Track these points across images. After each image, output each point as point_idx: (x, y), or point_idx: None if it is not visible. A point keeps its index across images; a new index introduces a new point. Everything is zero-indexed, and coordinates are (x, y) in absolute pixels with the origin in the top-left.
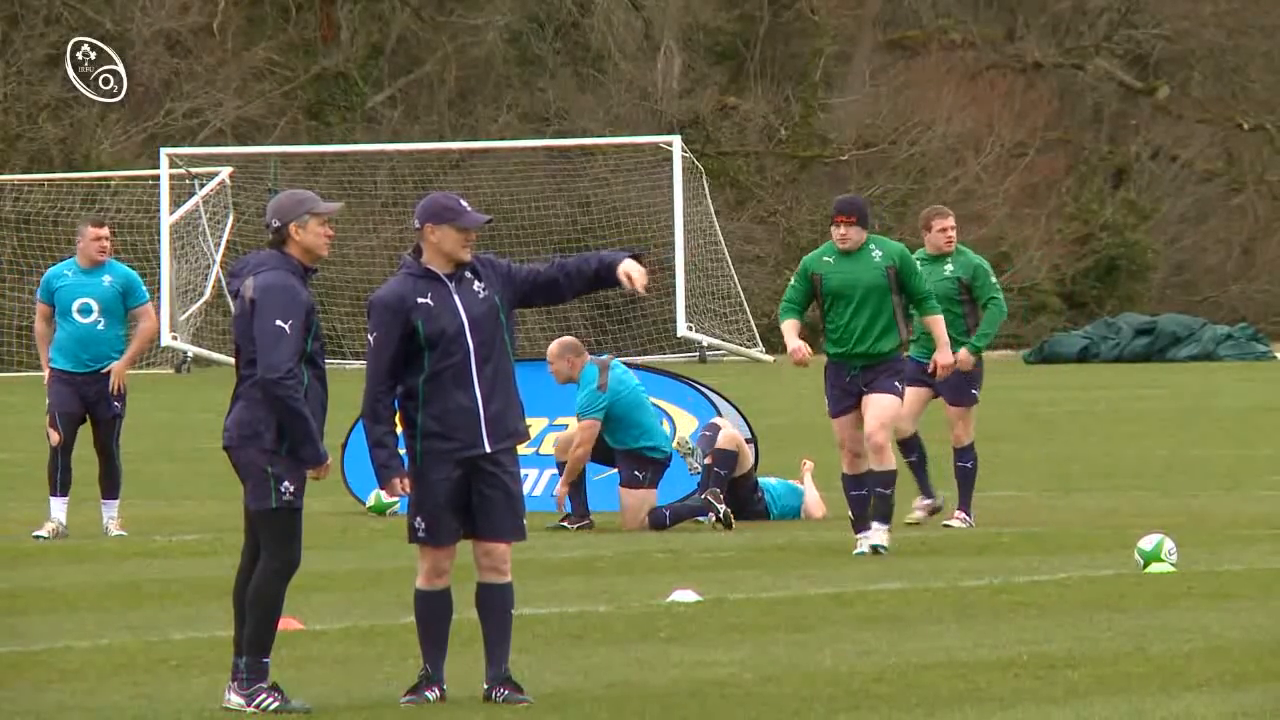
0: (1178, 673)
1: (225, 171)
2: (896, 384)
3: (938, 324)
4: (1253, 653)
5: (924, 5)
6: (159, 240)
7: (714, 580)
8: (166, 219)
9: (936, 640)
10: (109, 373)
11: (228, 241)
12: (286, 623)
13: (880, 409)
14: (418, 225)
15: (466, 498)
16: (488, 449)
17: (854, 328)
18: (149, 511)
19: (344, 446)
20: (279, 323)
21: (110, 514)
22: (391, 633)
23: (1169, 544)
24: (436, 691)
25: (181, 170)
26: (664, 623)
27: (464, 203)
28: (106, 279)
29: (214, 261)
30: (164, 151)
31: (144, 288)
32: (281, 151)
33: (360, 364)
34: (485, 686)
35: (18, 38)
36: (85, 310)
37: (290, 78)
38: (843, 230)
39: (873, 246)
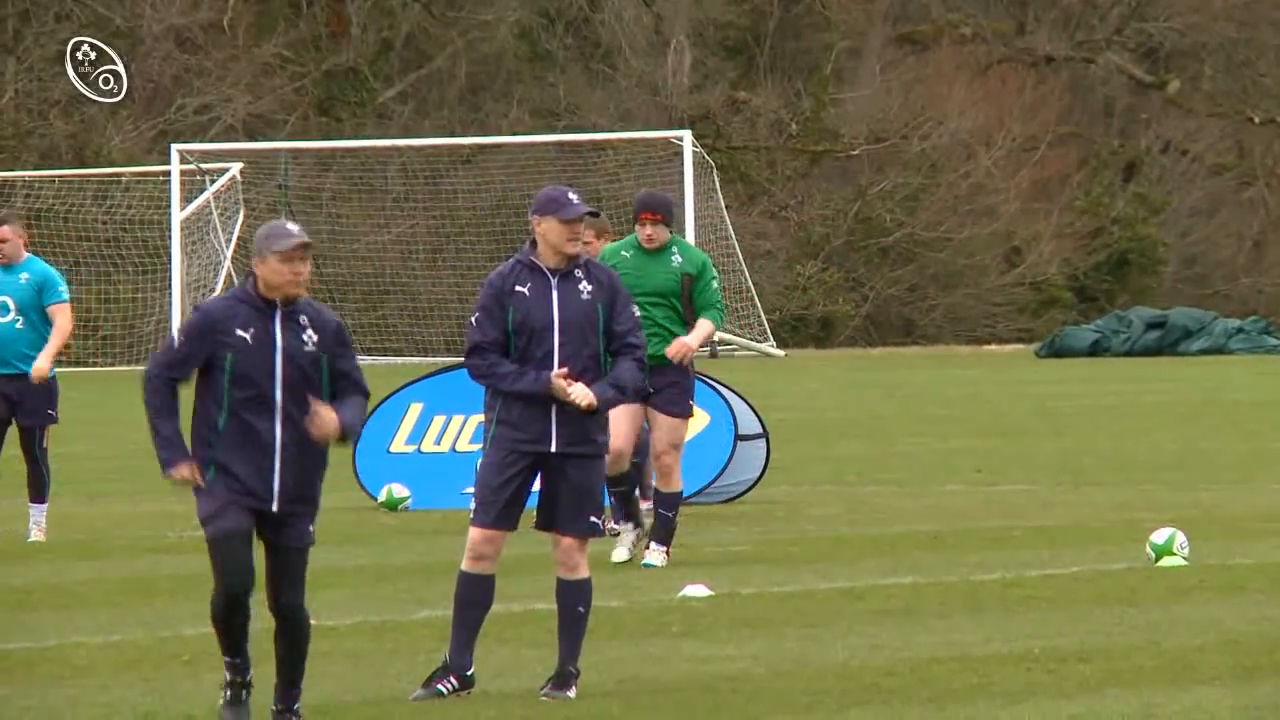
0: (1190, 666)
1: (236, 167)
2: (689, 404)
3: (704, 325)
4: (1264, 646)
5: None
6: (170, 236)
7: (725, 575)
8: (177, 215)
9: (948, 634)
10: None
11: (238, 238)
12: None
13: (670, 430)
14: (530, 216)
15: (524, 491)
16: (553, 449)
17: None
18: (159, 507)
19: (355, 441)
20: (173, 333)
21: (36, 519)
22: (403, 628)
23: (1181, 538)
24: (452, 682)
25: (192, 166)
26: (675, 618)
27: (572, 195)
28: (24, 276)
29: (225, 258)
30: (174, 148)
31: (61, 286)
32: (292, 147)
33: (371, 360)
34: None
35: (29, 34)
36: (3, 309)
37: (301, 73)
38: (649, 230)
39: (675, 250)
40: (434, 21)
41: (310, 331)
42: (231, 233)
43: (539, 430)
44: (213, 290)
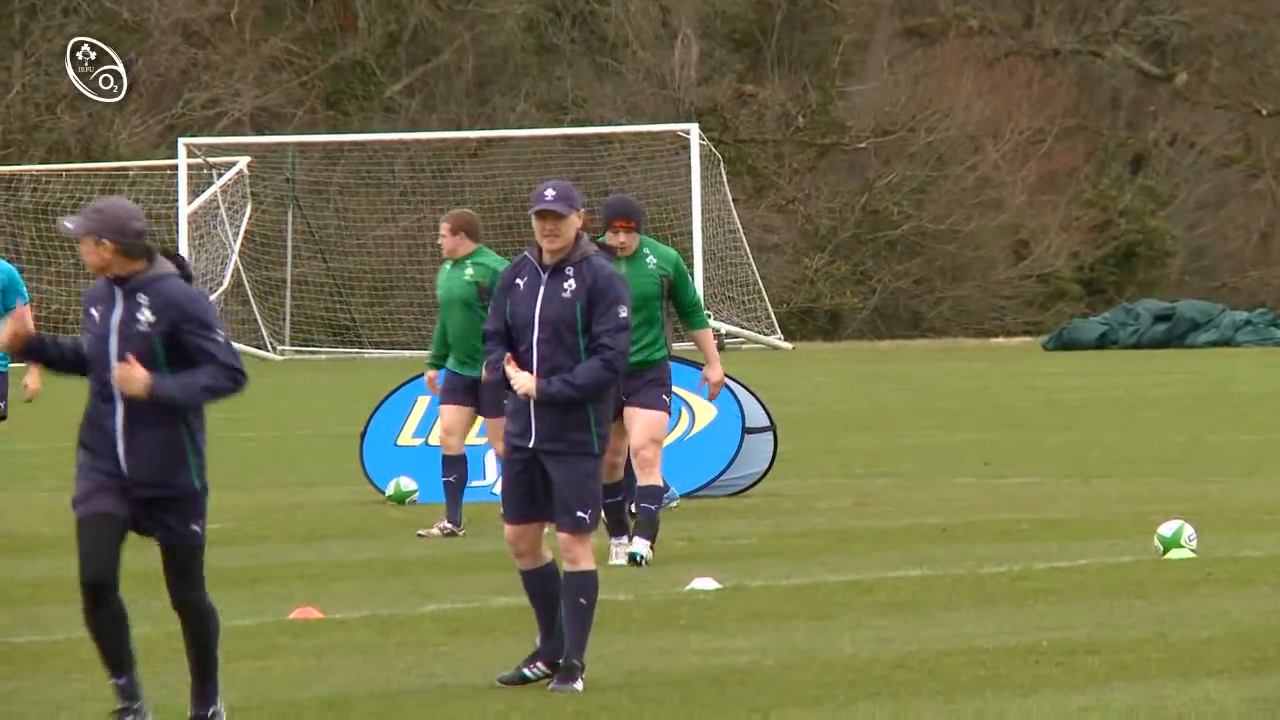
0: (1198, 659)
1: (243, 161)
2: (664, 396)
3: (706, 338)
4: (1273, 638)
5: None
6: (177, 230)
7: (733, 568)
8: (185, 209)
9: (956, 627)
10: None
11: (246, 231)
12: (306, 612)
13: (648, 423)
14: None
15: (534, 484)
16: (530, 444)
17: None
18: None
19: (363, 435)
20: None
21: None
22: (411, 622)
23: (1189, 530)
24: (540, 667)
25: (199, 160)
26: (683, 610)
27: (548, 191)
28: None
29: (232, 251)
30: (182, 141)
31: (23, 287)
32: (299, 141)
33: (379, 353)
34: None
35: (36, 29)
36: None
37: (308, 67)
38: (622, 238)
39: (647, 252)
40: (441, 15)
41: (147, 310)
42: (239, 226)
43: (523, 425)
44: (220, 284)
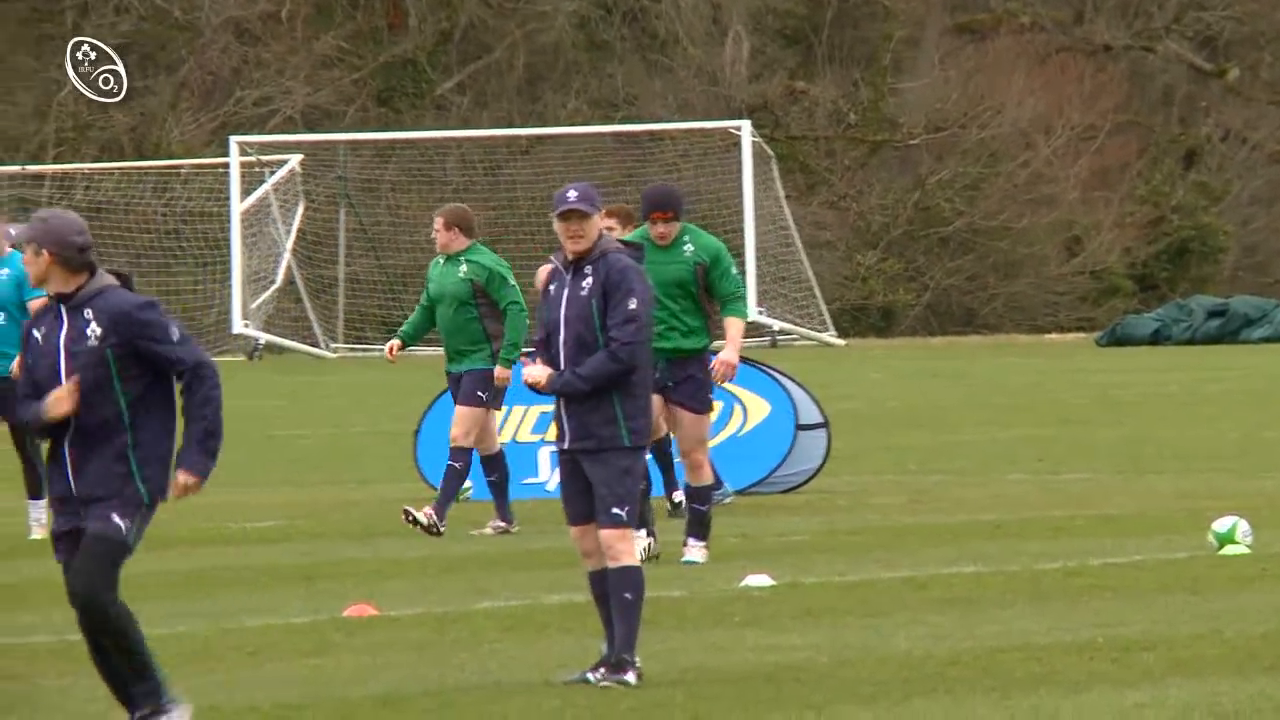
0: (1253, 655)
1: (295, 159)
2: (709, 397)
3: (735, 325)
4: None
5: None
6: (230, 228)
7: (787, 564)
8: (237, 207)
9: (1011, 623)
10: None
11: (299, 229)
12: (361, 609)
13: (693, 427)
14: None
15: (584, 483)
16: (566, 445)
17: (657, 323)
18: (221, 498)
19: (417, 432)
20: None
21: (37, 516)
22: (466, 619)
23: (1244, 526)
24: (600, 672)
25: (251, 158)
26: (738, 607)
27: (570, 192)
28: (4, 272)
29: (285, 249)
30: (234, 140)
31: None
32: (351, 139)
33: (431, 350)
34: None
35: (88, 27)
36: None
37: (359, 65)
38: (660, 229)
39: (686, 239)
40: (492, 13)
41: (94, 325)
42: (291, 224)
43: (560, 428)
44: (273, 282)
